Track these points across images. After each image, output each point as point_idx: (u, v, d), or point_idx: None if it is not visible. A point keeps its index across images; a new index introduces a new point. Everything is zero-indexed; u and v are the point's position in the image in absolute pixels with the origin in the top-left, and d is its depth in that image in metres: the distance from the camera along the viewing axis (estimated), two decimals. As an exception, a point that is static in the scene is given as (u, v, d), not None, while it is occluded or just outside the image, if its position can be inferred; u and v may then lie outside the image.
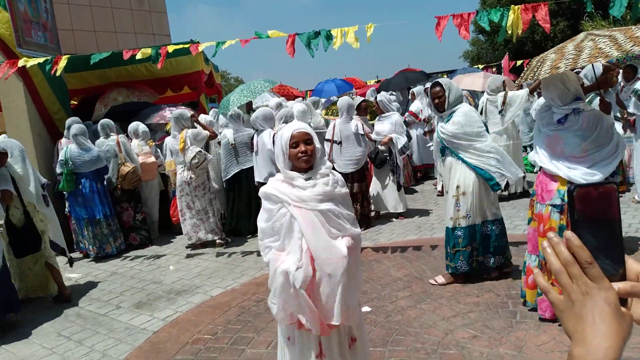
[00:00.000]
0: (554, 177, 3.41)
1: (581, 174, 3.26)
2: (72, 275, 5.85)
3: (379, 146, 6.66)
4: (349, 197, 2.49)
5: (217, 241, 6.40)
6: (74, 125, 6.41)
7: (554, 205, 3.37)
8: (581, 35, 3.41)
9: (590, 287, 0.64)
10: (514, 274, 4.37)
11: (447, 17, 4.72)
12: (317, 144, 2.37)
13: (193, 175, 6.10)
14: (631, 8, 5.63)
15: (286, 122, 5.97)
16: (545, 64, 3.22)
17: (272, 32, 5.22)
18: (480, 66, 17.01)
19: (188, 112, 6.38)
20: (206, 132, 6.26)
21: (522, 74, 3.73)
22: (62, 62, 5.88)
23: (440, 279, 4.38)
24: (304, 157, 2.30)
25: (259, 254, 5.79)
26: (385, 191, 6.83)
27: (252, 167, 6.31)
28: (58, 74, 5.95)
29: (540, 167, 3.57)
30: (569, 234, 0.66)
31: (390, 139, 6.57)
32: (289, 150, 2.32)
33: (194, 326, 4.01)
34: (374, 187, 6.91)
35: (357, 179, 6.52)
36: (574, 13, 23.78)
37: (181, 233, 7.21)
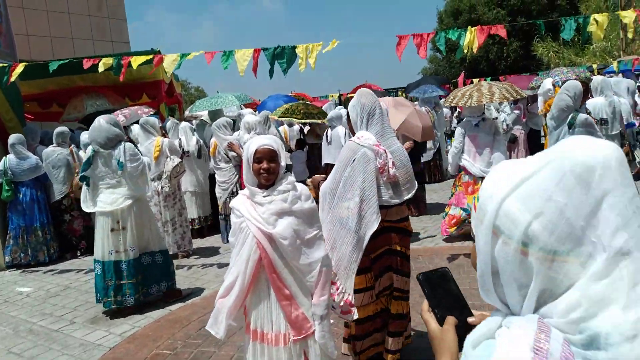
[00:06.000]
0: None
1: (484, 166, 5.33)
2: (23, 289, 5.62)
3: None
4: (315, 212, 2.47)
5: (180, 253, 6.30)
6: (11, 135, 6.52)
7: (479, 177, 5.42)
8: (485, 84, 5.63)
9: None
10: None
11: (407, 36, 4.87)
12: (282, 162, 2.37)
13: (167, 185, 5.96)
14: (580, 32, 6.06)
15: (248, 130, 5.99)
16: (473, 98, 5.30)
17: (239, 53, 5.31)
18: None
19: (156, 120, 6.28)
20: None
21: (447, 99, 5.69)
22: (18, 69, 5.68)
23: None
24: (264, 174, 2.32)
25: (219, 267, 5.74)
26: None
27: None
28: (12, 79, 5.76)
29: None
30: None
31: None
32: (252, 164, 2.34)
33: (152, 341, 3.93)
34: None
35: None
36: (526, 34, 24.91)
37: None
